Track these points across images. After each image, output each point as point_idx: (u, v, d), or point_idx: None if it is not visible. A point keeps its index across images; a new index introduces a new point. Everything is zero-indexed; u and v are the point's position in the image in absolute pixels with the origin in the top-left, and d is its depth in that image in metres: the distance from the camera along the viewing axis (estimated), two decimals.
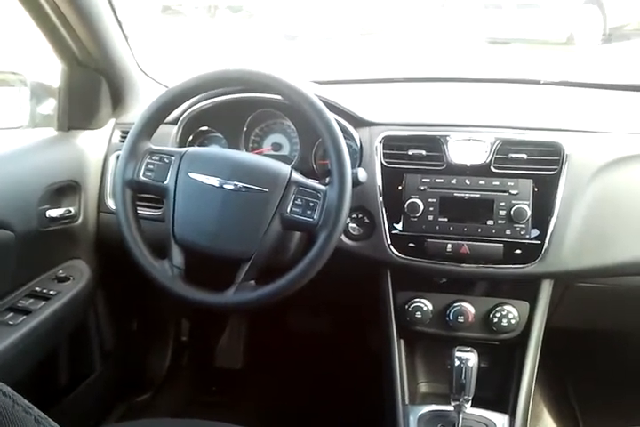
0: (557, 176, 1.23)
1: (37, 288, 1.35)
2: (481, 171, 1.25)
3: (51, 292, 1.35)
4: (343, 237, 1.29)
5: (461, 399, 1.19)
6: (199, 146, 1.48)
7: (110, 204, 1.47)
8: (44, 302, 1.31)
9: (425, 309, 1.30)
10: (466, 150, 1.26)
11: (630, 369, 1.73)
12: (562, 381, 1.88)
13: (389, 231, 1.27)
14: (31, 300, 1.31)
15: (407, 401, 1.31)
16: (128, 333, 1.84)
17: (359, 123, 1.34)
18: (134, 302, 1.79)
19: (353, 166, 1.13)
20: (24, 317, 1.26)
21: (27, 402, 0.43)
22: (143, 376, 1.94)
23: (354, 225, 1.30)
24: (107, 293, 1.64)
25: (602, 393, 1.76)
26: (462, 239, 1.25)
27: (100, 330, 1.67)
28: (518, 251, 1.23)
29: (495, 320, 1.29)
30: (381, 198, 1.28)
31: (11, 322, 1.24)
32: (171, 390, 1.95)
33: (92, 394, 1.66)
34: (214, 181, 1.13)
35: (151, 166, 1.17)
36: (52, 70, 1.49)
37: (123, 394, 1.84)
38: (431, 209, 1.26)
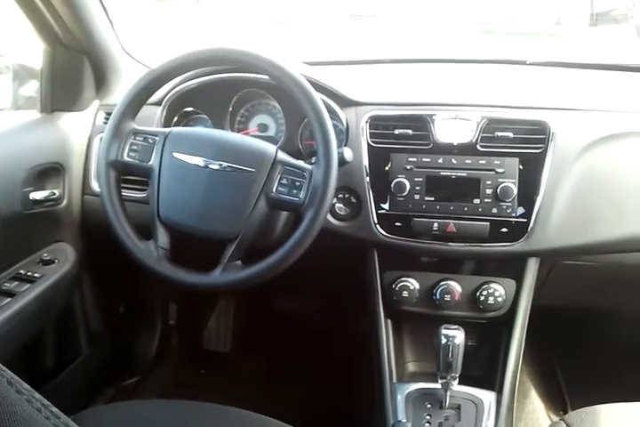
0: (543, 154, 1.23)
1: (22, 271, 1.34)
2: (467, 149, 1.25)
3: (35, 275, 1.34)
4: (330, 218, 1.29)
5: (448, 377, 1.19)
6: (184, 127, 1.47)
7: (95, 186, 1.45)
8: (28, 285, 1.31)
9: (412, 288, 1.31)
10: (452, 129, 1.26)
11: (616, 346, 1.75)
12: (549, 358, 1.89)
13: (376, 211, 1.27)
14: (16, 282, 1.31)
15: (395, 380, 1.32)
16: (115, 316, 1.83)
17: (345, 102, 1.34)
18: (121, 285, 1.79)
19: (339, 146, 1.12)
20: (8, 299, 1.25)
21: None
22: (131, 359, 1.94)
23: (340, 205, 1.30)
24: (93, 276, 1.63)
25: (588, 370, 1.78)
26: (449, 218, 1.25)
27: (87, 313, 1.66)
28: (504, 229, 1.23)
29: (482, 298, 1.29)
30: (368, 178, 1.28)
31: None
32: (159, 373, 1.95)
33: (80, 377, 1.66)
34: (199, 161, 1.12)
35: (135, 147, 1.16)
36: (34, 51, 1.47)
37: (111, 377, 1.84)
38: (417, 188, 1.26)
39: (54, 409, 0.44)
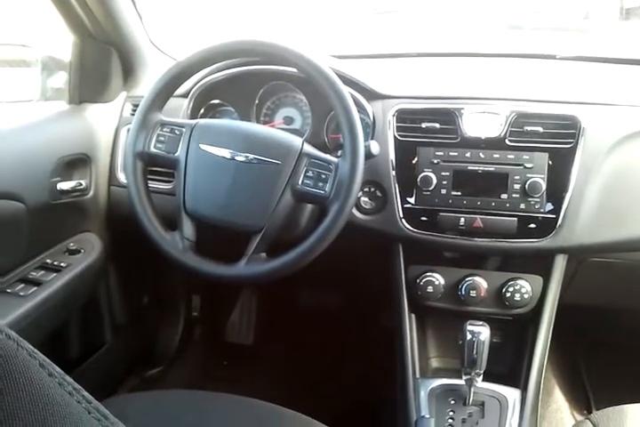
0: (573, 150, 1.21)
1: (48, 260, 1.35)
2: (495, 144, 1.23)
3: (62, 264, 1.35)
4: (355, 211, 1.29)
5: (473, 373, 1.18)
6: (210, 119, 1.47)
7: (121, 177, 1.46)
8: (54, 274, 1.32)
9: (437, 283, 1.30)
10: (480, 123, 1.24)
11: None
12: (574, 357, 1.87)
13: (402, 205, 1.26)
14: (42, 271, 1.32)
15: (418, 375, 1.31)
16: (139, 306, 1.85)
17: (372, 96, 1.33)
18: (145, 276, 1.80)
19: (365, 140, 1.12)
20: (35, 288, 1.27)
21: (31, 346, 0.43)
22: (154, 350, 1.95)
23: (366, 199, 1.29)
24: (118, 266, 1.65)
25: (613, 369, 1.76)
26: (475, 213, 1.23)
27: (111, 303, 1.67)
28: (532, 225, 1.22)
29: (508, 295, 1.28)
30: (394, 172, 1.27)
31: (22, 293, 1.24)
32: (182, 364, 1.96)
33: (103, 367, 1.67)
34: (225, 153, 1.12)
35: (162, 138, 1.16)
36: (63, 44, 1.48)
37: (134, 367, 1.86)
38: (444, 183, 1.24)
39: (85, 393, 0.44)
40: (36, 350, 0.43)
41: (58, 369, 0.43)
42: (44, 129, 1.37)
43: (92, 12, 1.39)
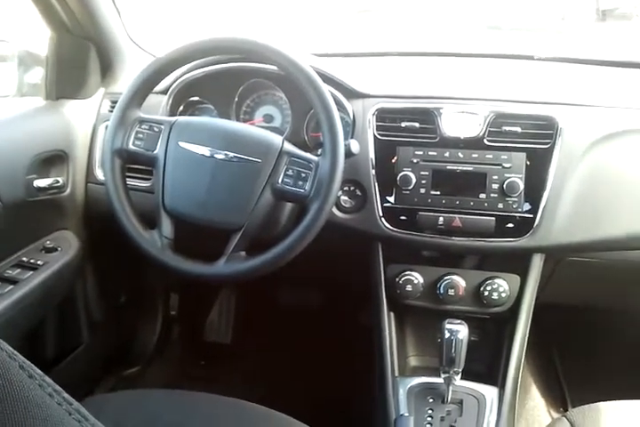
0: (551, 150, 1.22)
1: (24, 258, 1.34)
2: (474, 144, 1.24)
3: (38, 262, 1.34)
4: (334, 210, 1.29)
5: (451, 372, 1.19)
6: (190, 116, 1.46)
7: (99, 174, 1.45)
8: (31, 273, 1.30)
9: (416, 282, 1.30)
10: (459, 123, 1.25)
11: (617, 345, 1.75)
12: (550, 355, 1.89)
13: (381, 204, 1.27)
14: (18, 270, 1.30)
15: (397, 374, 1.32)
16: (117, 305, 1.83)
17: (352, 94, 1.33)
18: (123, 275, 1.78)
19: (345, 138, 1.12)
20: (11, 286, 1.25)
21: (11, 348, 0.42)
22: (132, 349, 1.94)
23: (345, 198, 1.30)
24: (95, 264, 1.63)
25: (589, 368, 1.78)
26: (454, 212, 1.24)
27: (88, 302, 1.65)
28: (510, 224, 1.23)
29: (486, 294, 1.29)
30: (374, 171, 1.27)
31: None
32: (159, 363, 1.95)
33: (80, 366, 1.65)
34: (205, 151, 1.12)
35: (140, 135, 1.15)
36: (40, 38, 1.46)
37: (111, 367, 1.84)
38: (423, 182, 1.25)
39: (66, 395, 0.43)
40: (15, 352, 0.42)
41: (38, 371, 0.43)
42: (21, 125, 1.35)
43: (69, 6, 1.38)
